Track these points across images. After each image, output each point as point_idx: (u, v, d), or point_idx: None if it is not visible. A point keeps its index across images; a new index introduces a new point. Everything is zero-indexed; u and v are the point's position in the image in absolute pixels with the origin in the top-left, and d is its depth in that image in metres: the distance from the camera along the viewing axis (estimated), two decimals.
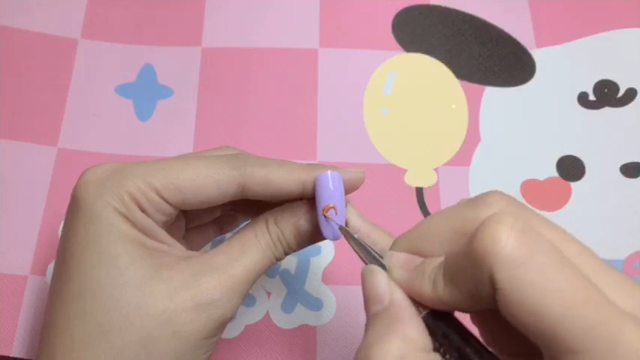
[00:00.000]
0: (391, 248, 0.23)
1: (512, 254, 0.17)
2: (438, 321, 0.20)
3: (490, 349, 0.20)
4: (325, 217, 0.25)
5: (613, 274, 0.18)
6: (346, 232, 0.25)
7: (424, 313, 0.21)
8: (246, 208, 0.31)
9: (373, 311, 0.21)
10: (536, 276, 0.17)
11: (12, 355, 0.33)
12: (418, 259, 0.22)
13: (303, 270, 0.36)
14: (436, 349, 0.20)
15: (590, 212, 0.38)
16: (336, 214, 0.25)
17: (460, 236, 0.20)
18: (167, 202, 0.25)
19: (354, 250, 0.24)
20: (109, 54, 0.41)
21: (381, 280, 0.22)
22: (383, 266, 0.22)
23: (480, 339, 0.21)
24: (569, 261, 0.17)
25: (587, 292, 0.17)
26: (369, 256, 0.23)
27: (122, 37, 0.41)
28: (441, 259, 0.20)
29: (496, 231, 0.17)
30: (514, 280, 0.17)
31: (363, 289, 0.22)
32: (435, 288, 0.20)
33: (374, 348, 0.20)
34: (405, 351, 0.19)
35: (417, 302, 0.21)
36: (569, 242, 0.19)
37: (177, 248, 0.26)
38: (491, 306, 0.18)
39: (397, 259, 0.22)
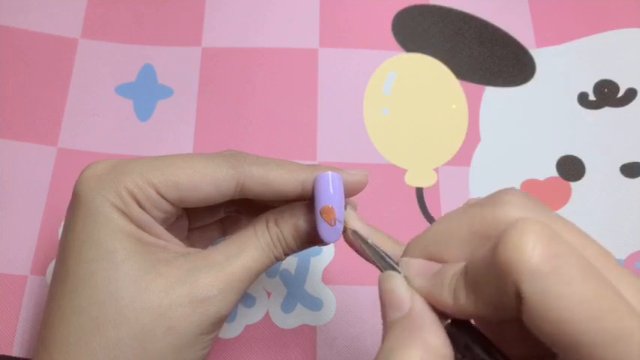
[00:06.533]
0: (405, 254, 0.22)
1: (538, 266, 0.16)
2: (460, 331, 0.20)
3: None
4: (323, 219, 0.25)
5: (631, 280, 0.18)
6: (359, 237, 0.24)
7: (446, 323, 0.20)
8: (249, 209, 0.31)
9: (392, 318, 0.21)
10: (563, 287, 0.16)
11: (12, 354, 0.33)
12: (436, 266, 0.21)
13: (303, 270, 0.36)
14: None
15: (590, 212, 0.38)
16: (334, 216, 0.24)
17: (479, 239, 0.19)
18: (165, 198, 0.25)
19: (365, 255, 0.24)
20: (109, 54, 0.41)
21: (400, 287, 0.21)
22: (397, 272, 0.21)
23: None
24: (594, 269, 0.17)
25: (612, 301, 0.16)
26: (383, 262, 0.23)
27: (122, 37, 0.41)
28: (461, 265, 0.20)
29: (521, 241, 0.17)
30: (541, 292, 0.16)
31: (381, 295, 0.21)
32: (456, 297, 0.19)
33: (394, 355, 0.19)
34: (427, 358, 0.19)
35: (437, 311, 0.20)
36: (589, 245, 0.18)
37: (176, 244, 0.26)
38: (513, 316, 0.17)
39: (414, 267, 0.21)
